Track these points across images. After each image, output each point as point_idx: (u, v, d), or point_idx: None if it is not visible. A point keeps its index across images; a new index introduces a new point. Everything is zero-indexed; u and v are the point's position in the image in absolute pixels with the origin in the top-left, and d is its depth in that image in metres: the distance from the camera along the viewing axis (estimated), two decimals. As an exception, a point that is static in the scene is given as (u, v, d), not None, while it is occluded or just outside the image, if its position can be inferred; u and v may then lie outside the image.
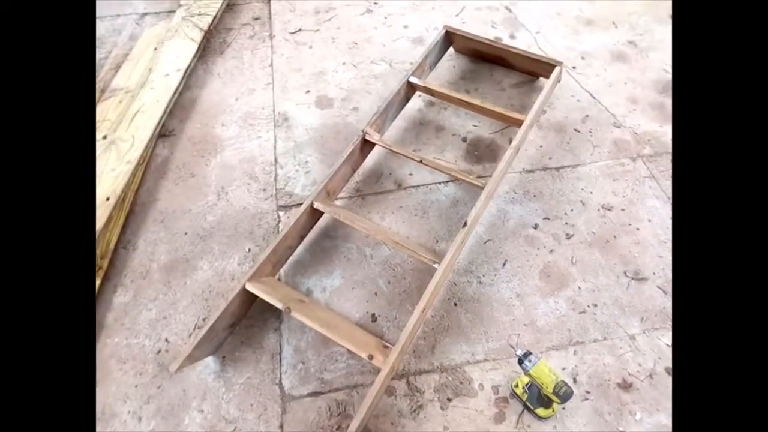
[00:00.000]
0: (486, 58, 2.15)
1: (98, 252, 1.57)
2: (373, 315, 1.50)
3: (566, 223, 1.67)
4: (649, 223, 1.65)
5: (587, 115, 1.97)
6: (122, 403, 1.36)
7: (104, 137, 1.88)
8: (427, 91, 1.90)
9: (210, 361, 1.43)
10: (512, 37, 2.32)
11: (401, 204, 1.76)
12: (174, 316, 1.51)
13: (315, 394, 1.36)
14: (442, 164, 1.68)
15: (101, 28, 2.41)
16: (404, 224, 1.70)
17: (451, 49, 2.22)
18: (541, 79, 2.08)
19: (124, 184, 1.69)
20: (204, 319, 1.49)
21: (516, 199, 1.74)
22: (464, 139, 1.92)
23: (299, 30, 2.41)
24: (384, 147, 1.73)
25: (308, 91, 2.14)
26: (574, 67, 2.16)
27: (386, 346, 1.37)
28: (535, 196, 1.75)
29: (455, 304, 1.51)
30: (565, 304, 1.50)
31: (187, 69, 2.12)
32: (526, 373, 1.21)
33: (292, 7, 2.54)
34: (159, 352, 1.45)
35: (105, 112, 1.98)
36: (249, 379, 1.39)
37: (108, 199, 1.65)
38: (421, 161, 1.67)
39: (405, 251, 1.49)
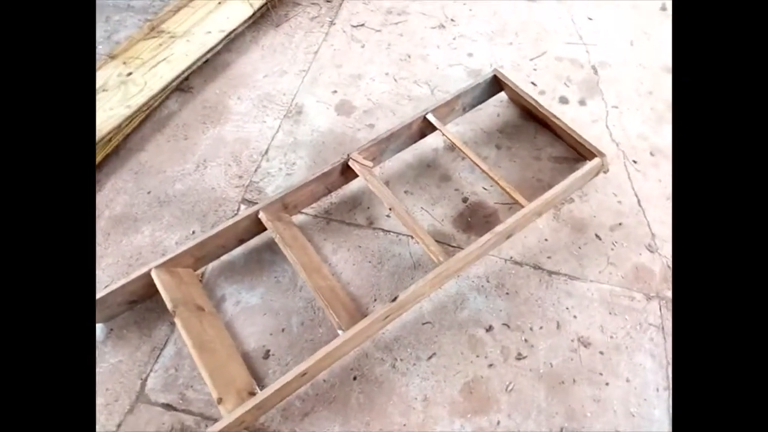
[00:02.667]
0: (534, 118, 1.86)
1: (58, 183, 1.60)
2: (268, 352, 1.37)
3: (525, 340, 1.39)
4: (626, 383, 1.31)
5: (620, 223, 1.62)
6: None
7: (129, 74, 1.92)
8: (440, 133, 1.68)
9: (98, 328, 1.40)
10: (582, 103, 1.98)
11: (361, 243, 1.58)
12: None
13: (168, 407, 1.27)
14: (410, 220, 1.46)
15: (181, -31, 2.47)
16: (353, 267, 1.53)
17: (504, 95, 1.96)
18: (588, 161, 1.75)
19: (112, 126, 1.70)
20: (115, 284, 1.46)
21: (484, 288, 1.48)
22: (464, 200, 1.68)
23: (361, 25, 2.27)
24: (363, 179, 1.56)
25: (335, 92, 2.00)
26: (635, 161, 1.78)
27: (252, 394, 1.24)
28: (507, 294, 1.47)
29: (354, 378, 1.32)
30: (471, 433, 1.24)
31: (231, 32, 2.09)
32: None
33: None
34: (61, 299, 1.45)
35: (142, 50, 2.01)
36: (120, 363, 1.34)
37: (91, 135, 1.67)
38: (390, 209, 1.48)
39: (321, 300, 1.33)
